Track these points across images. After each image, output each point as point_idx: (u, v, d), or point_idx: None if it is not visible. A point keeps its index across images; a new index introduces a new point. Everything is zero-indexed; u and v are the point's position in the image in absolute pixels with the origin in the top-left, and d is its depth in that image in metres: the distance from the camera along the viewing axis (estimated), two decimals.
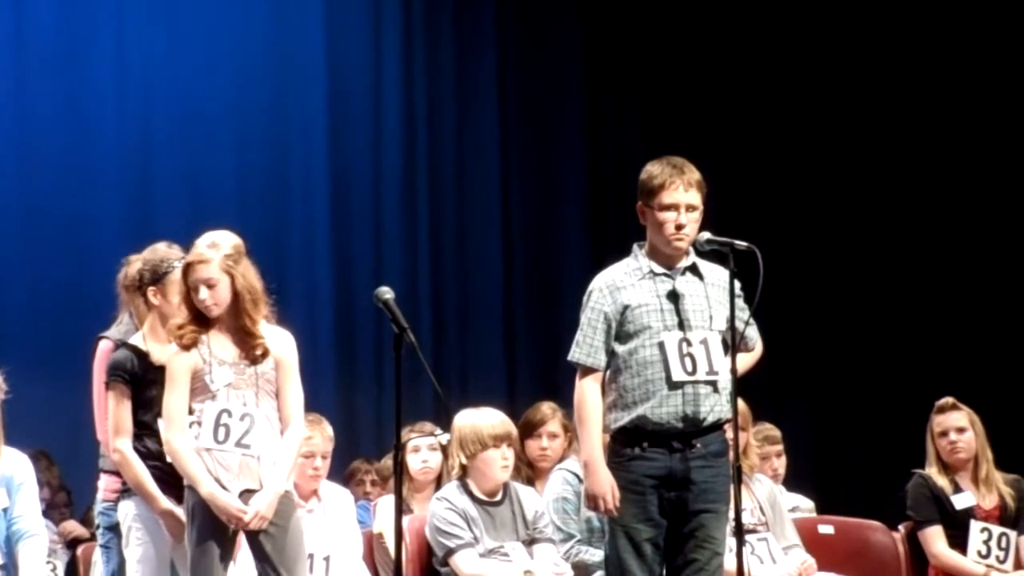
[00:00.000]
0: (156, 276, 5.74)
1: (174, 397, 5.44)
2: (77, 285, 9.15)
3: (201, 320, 5.45)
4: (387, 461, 7.91)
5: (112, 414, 5.65)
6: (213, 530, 5.38)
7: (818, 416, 10.79)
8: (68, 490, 8.71)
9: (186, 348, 5.41)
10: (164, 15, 9.81)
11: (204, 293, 5.40)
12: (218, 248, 5.43)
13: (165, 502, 5.58)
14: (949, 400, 7.09)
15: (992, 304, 10.84)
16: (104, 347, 5.82)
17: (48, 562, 7.26)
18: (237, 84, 9.96)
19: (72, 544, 8.07)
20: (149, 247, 5.87)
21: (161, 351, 5.61)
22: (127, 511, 5.69)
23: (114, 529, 5.82)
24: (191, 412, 5.45)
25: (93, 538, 7.71)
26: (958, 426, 7.03)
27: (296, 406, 5.54)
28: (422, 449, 7.08)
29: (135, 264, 5.86)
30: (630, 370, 5.48)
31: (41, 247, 9.38)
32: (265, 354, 5.46)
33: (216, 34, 9.92)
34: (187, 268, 5.43)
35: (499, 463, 6.43)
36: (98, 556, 6.60)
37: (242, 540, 5.50)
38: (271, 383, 5.49)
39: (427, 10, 10.59)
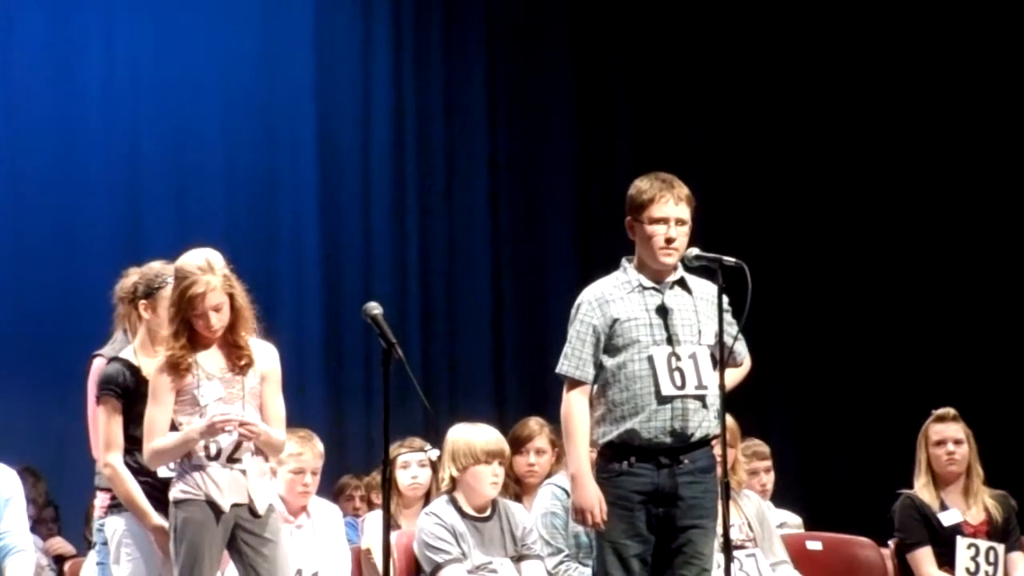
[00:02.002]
0: (149, 290, 5.73)
1: (158, 412, 5.43)
2: (64, 300, 9.15)
3: (192, 340, 5.45)
4: (375, 476, 7.90)
5: (103, 428, 5.61)
6: (201, 545, 5.36)
7: (806, 432, 10.79)
8: (56, 506, 8.68)
9: (182, 376, 5.41)
10: (153, 27, 9.82)
11: (214, 319, 5.41)
12: (215, 270, 5.43)
13: (157, 518, 5.53)
14: (950, 411, 7.02)
15: (979, 319, 10.85)
16: (99, 365, 5.79)
17: None
18: (226, 94, 9.97)
19: (59, 560, 8.05)
20: (147, 264, 5.87)
21: (152, 365, 5.59)
22: (116, 527, 5.64)
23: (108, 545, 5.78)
24: (178, 426, 5.44)
25: (83, 549, 7.71)
26: (956, 437, 6.97)
27: (279, 420, 5.55)
28: (412, 465, 7.07)
29: (131, 277, 5.86)
30: (618, 384, 5.48)
31: (28, 261, 9.37)
32: (250, 364, 5.46)
33: (205, 46, 9.92)
34: (194, 297, 5.39)
35: (489, 479, 6.42)
36: (88, 571, 6.59)
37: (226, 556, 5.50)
38: (256, 397, 5.50)
39: (416, 25, 10.60)
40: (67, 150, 9.58)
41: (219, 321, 5.42)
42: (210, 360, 5.46)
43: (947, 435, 6.97)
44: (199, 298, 5.39)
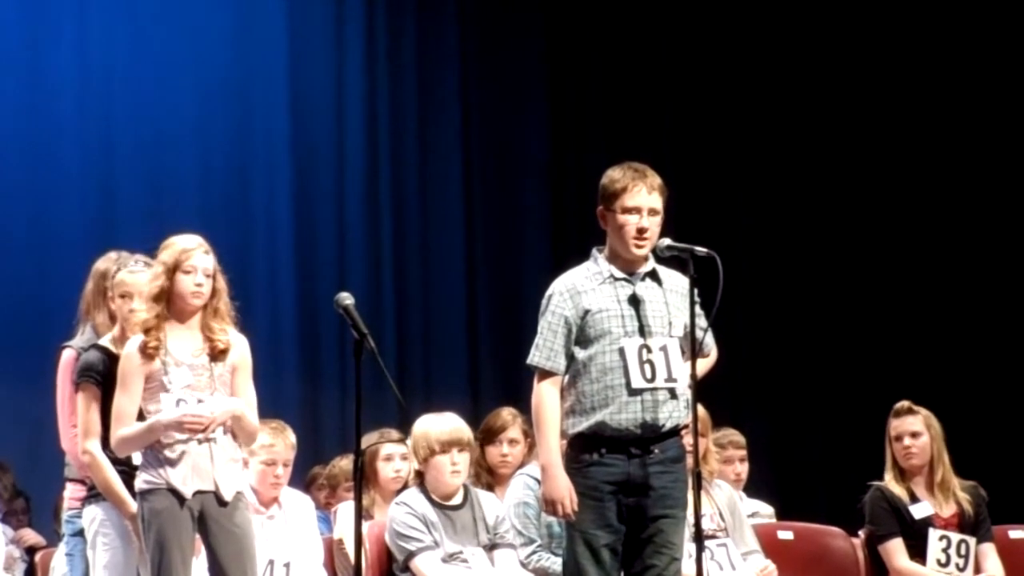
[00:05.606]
0: None
1: (126, 399, 5.43)
2: (36, 291, 9.12)
3: (171, 311, 5.45)
4: (333, 468, 7.88)
5: (81, 416, 5.59)
6: (167, 534, 5.36)
7: (778, 422, 10.80)
8: (27, 497, 8.66)
9: (150, 357, 5.40)
10: (126, 18, 9.79)
11: (202, 278, 5.43)
12: (207, 247, 5.50)
13: (134, 506, 5.51)
14: (905, 404, 7.01)
15: (951, 308, 10.89)
16: (68, 356, 5.79)
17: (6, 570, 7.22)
18: (200, 89, 9.95)
19: (30, 551, 8.03)
20: (104, 257, 5.86)
21: None
22: (93, 515, 5.63)
23: (79, 535, 5.76)
24: (146, 413, 5.43)
25: (54, 541, 7.68)
26: (912, 431, 6.94)
27: (251, 409, 5.55)
28: (395, 458, 7.03)
29: (113, 267, 5.84)
30: (589, 375, 5.47)
31: (1, 251, 9.33)
32: (226, 350, 5.47)
33: (179, 38, 9.90)
34: (186, 249, 5.43)
35: (448, 468, 6.42)
36: (58, 562, 6.57)
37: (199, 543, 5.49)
38: (226, 386, 5.50)
39: (389, 16, 10.59)
40: (40, 140, 9.55)
41: (207, 285, 5.43)
42: (181, 344, 5.46)
43: (903, 429, 6.96)
44: (190, 253, 5.42)
